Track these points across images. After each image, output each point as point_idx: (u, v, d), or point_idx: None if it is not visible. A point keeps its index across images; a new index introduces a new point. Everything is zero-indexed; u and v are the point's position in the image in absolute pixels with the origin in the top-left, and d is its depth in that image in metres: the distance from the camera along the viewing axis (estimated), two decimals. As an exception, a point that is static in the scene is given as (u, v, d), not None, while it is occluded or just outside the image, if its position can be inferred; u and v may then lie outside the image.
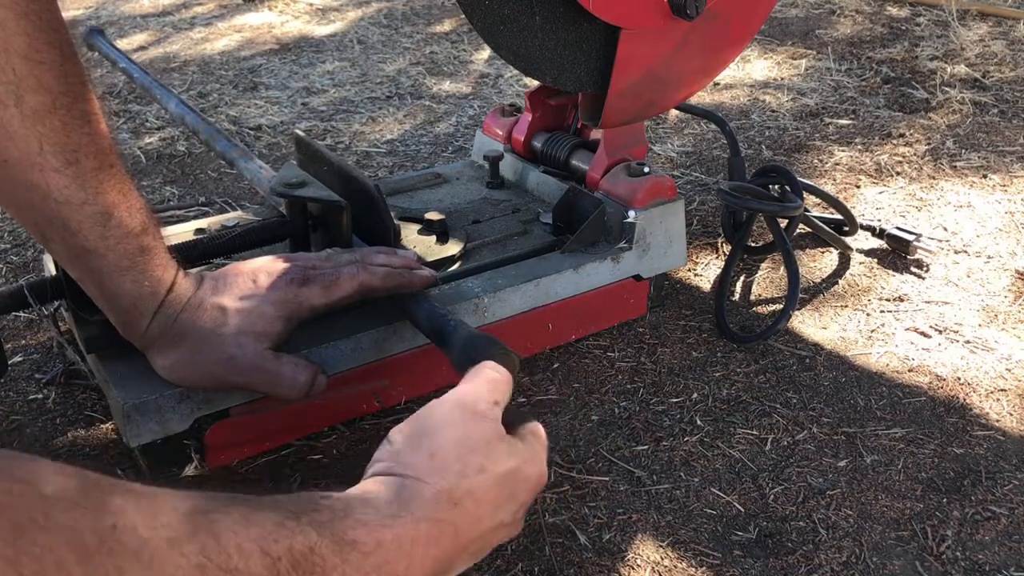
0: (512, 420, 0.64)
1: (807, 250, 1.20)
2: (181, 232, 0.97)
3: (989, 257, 1.17)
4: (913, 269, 1.15)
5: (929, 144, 1.50)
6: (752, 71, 1.89)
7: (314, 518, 0.48)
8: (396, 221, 0.94)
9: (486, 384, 0.63)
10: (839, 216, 1.17)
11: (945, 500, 0.79)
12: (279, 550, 0.45)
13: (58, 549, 0.35)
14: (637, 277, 1.02)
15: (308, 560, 0.46)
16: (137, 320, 0.73)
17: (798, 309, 1.07)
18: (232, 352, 0.73)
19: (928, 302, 1.08)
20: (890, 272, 1.14)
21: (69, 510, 0.36)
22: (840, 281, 1.13)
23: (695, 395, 0.92)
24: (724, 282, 1.08)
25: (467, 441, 0.58)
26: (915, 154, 1.47)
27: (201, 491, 0.45)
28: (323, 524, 0.48)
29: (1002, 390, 0.93)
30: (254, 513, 0.45)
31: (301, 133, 1.01)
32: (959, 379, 0.95)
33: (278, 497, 0.49)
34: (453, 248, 0.97)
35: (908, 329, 1.03)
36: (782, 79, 1.84)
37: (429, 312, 0.80)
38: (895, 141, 1.52)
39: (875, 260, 1.17)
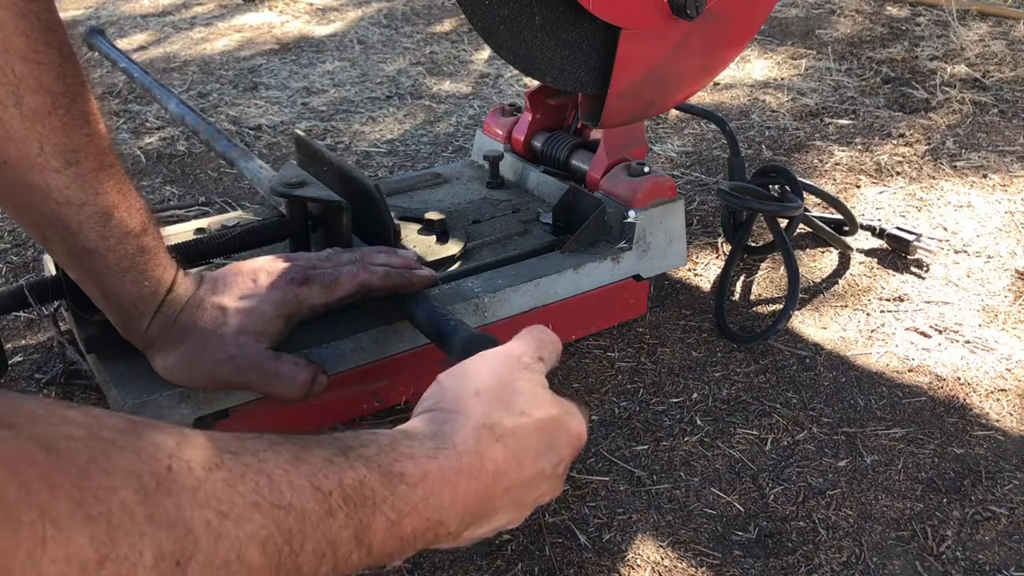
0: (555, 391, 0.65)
1: (807, 250, 1.20)
2: (181, 232, 0.97)
3: (989, 257, 1.17)
4: (913, 269, 1.15)
5: (929, 144, 1.50)
6: (752, 71, 1.89)
7: (361, 453, 0.49)
8: (396, 221, 0.94)
9: (533, 342, 0.65)
10: (839, 216, 1.17)
11: (945, 500, 0.79)
12: (330, 485, 0.46)
13: (120, 490, 0.36)
14: (637, 277, 1.02)
15: (359, 493, 0.47)
16: (137, 320, 0.73)
17: (798, 309, 1.07)
18: (232, 352, 0.74)
19: (928, 302, 1.08)
20: (890, 272, 1.14)
21: (127, 452, 0.38)
22: (840, 281, 1.13)
23: (695, 395, 0.92)
24: (724, 282, 1.08)
25: (511, 384, 0.60)
26: (915, 154, 1.47)
27: (253, 433, 0.46)
28: (371, 458, 0.49)
29: (1002, 390, 0.93)
30: (303, 451, 0.46)
31: (301, 133, 1.01)
32: (959, 379, 0.95)
33: (324, 436, 0.50)
34: (453, 248, 0.97)
35: (908, 329, 1.03)
36: (782, 79, 1.84)
37: (429, 312, 0.80)
38: (895, 141, 1.52)
39: (875, 260, 1.17)
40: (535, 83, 1.08)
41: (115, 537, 0.35)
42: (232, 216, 1.06)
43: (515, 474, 0.57)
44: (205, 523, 0.39)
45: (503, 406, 0.58)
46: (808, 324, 1.04)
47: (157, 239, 0.73)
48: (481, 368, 0.61)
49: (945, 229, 1.24)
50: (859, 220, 1.18)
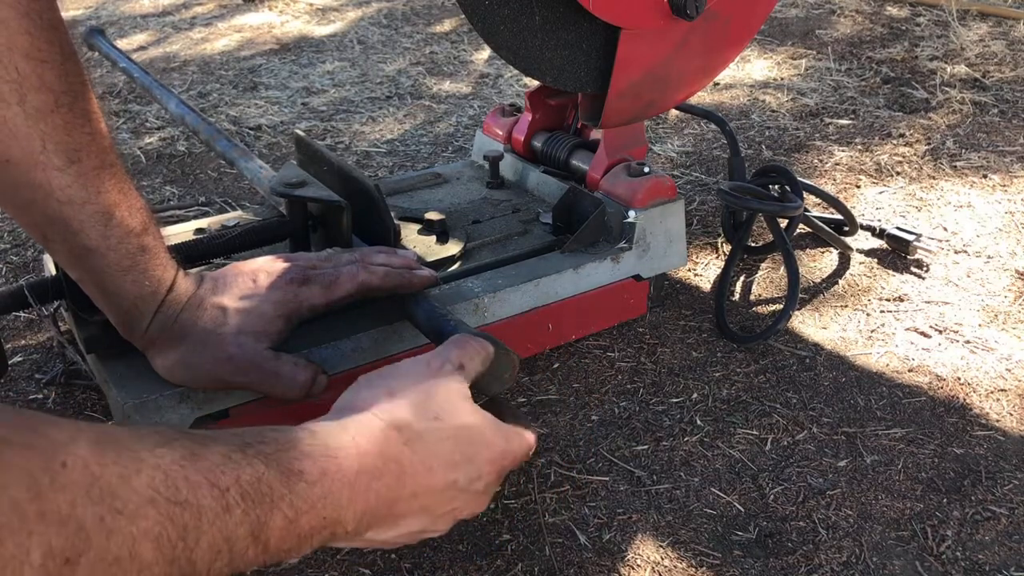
0: (504, 414, 0.64)
1: (807, 250, 1.20)
2: (181, 232, 0.97)
3: (989, 257, 1.17)
4: (913, 269, 1.15)
5: (929, 144, 1.50)
6: (752, 71, 1.89)
7: (260, 450, 0.49)
8: (396, 221, 0.94)
9: (455, 349, 0.65)
10: (839, 216, 1.17)
11: (945, 500, 0.79)
12: (227, 481, 0.46)
13: (11, 488, 0.36)
14: (637, 277, 1.02)
15: (256, 490, 0.47)
16: (137, 320, 0.73)
17: (798, 309, 1.07)
18: (231, 351, 0.74)
19: (928, 302, 1.08)
20: (890, 272, 1.14)
21: (19, 450, 0.37)
22: (840, 281, 1.13)
23: (695, 395, 0.92)
24: (724, 282, 1.08)
25: (428, 389, 0.60)
26: (915, 154, 1.47)
27: (150, 427, 0.46)
28: (269, 455, 0.49)
29: (1002, 390, 0.93)
30: (201, 447, 0.46)
31: (301, 133, 1.01)
32: (959, 379, 0.95)
33: (226, 431, 0.50)
34: (453, 248, 0.97)
35: (908, 329, 1.03)
36: (782, 79, 1.84)
37: (429, 312, 0.80)
38: (895, 141, 1.52)
39: (875, 260, 1.17)
40: (535, 83, 1.08)
41: (1, 537, 0.35)
42: (232, 216, 1.06)
43: (423, 480, 0.57)
44: (98, 519, 0.39)
45: (415, 409, 0.58)
46: (808, 324, 1.04)
47: (157, 239, 0.73)
48: (399, 371, 0.61)
49: (945, 229, 1.24)
50: (859, 220, 1.18)
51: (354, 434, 0.54)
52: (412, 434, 0.56)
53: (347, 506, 0.52)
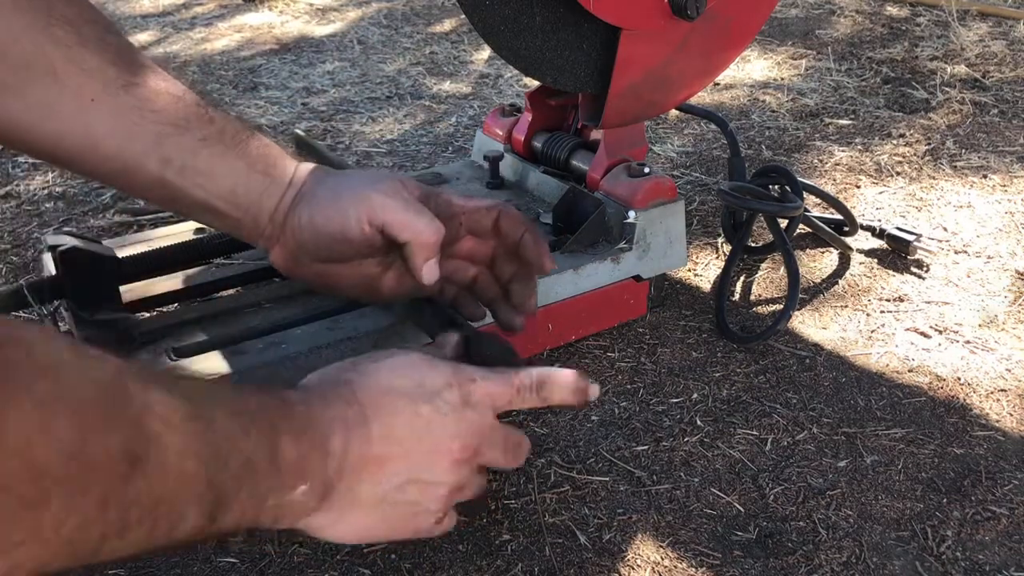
0: None
1: (807, 250, 1.20)
2: (181, 232, 0.97)
3: (989, 257, 1.17)
4: (913, 269, 1.15)
5: (929, 144, 1.50)
6: (752, 71, 1.89)
7: (254, 391, 0.55)
8: (396, 221, 0.93)
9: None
10: (839, 216, 1.17)
11: (945, 500, 0.79)
12: (239, 407, 0.52)
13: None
14: (637, 278, 1.02)
15: (264, 414, 0.53)
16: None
17: (798, 309, 1.07)
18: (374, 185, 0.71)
19: (928, 302, 1.08)
20: (890, 272, 1.14)
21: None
22: (840, 281, 1.13)
23: (695, 395, 0.92)
24: (724, 282, 1.08)
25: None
26: (915, 154, 1.47)
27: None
28: (264, 392, 0.56)
29: (1002, 390, 0.93)
30: (206, 385, 0.55)
31: (301, 133, 1.01)
32: (959, 379, 0.95)
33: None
34: (453, 248, 0.97)
35: (908, 329, 1.03)
36: (782, 79, 1.84)
37: (432, 311, 0.80)
38: (895, 141, 1.52)
39: (875, 260, 1.17)
40: (535, 83, 1.08)
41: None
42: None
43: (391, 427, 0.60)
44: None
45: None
46: (808, 324, 1.04)
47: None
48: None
49: (945, 229, 1.24)
50: (859, 220, 1.18)
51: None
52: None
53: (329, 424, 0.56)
